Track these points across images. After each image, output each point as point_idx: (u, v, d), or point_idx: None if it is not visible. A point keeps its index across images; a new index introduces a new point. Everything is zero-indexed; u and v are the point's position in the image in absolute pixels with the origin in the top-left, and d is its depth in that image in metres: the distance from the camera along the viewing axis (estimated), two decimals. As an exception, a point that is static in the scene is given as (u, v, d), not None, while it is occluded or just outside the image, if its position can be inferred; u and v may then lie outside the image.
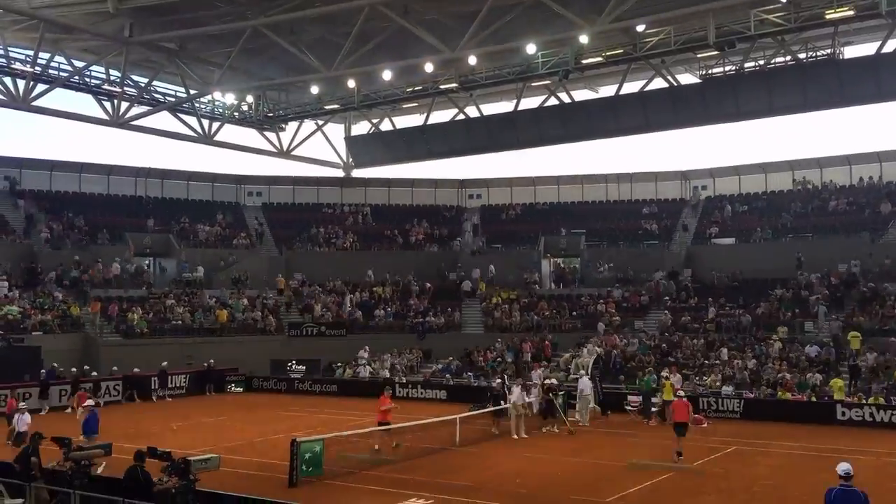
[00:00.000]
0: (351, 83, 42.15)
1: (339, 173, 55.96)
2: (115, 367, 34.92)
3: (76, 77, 40.91)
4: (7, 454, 17.57)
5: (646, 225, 48.62)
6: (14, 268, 40.08)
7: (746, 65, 38.32)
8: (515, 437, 24.58)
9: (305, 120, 49.98)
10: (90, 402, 22.62)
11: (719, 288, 41.54)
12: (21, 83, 38.36)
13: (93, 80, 42.16)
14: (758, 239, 44.20)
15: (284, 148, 50.94)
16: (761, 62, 38.46)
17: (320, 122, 51.68)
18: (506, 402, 25.93)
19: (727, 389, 30.10)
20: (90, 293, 40.29)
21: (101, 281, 41.53)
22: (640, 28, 35.22)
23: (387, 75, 39.93)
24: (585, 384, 27.84)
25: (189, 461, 13.84)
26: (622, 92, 41.57)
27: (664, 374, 29.18)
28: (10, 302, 36.93)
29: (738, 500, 17.06)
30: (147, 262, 45.74)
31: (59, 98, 49.47)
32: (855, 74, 36.40)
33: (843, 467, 10.34)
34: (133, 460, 13.75)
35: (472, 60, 37.74)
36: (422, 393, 34.69)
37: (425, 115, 47.60)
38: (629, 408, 28.97)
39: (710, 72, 39.16)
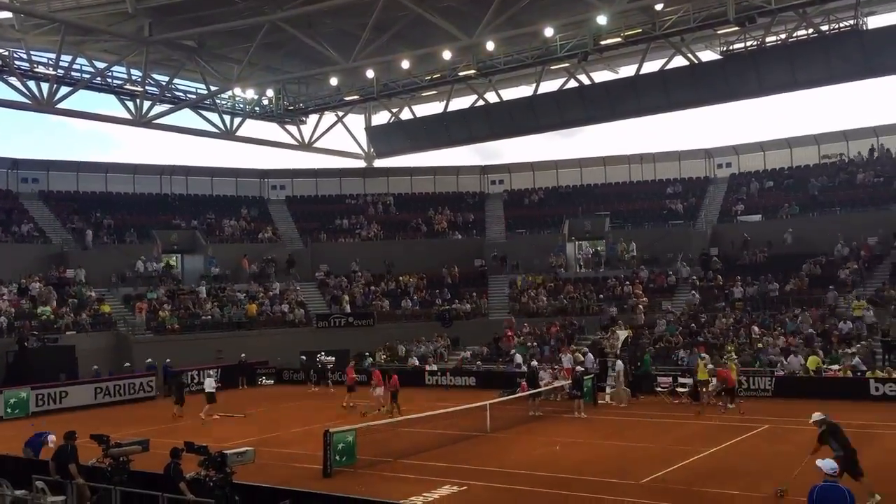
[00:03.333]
0: (370, 73, 42.18)
1: (361, 164, 56.13)
2: (148, 359, 35.58)
3: (98, 78, 41.33)
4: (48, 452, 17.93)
5: (670, 205, 48.28)
6: (45, 269, 40.72)
7: (768, 39, 37.81)
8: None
9: (326, 112, 50.09)
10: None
11: (746, 266, 41.20)
12: (45, 86, 38.80)
13: (115, 81, 42.57)
14: (785, 215, 43.73)
15: (306, 141, 51.15)
16: (783, 36, 37.92)
17: (340, 114, 51.78)
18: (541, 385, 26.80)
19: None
20: (121, 291, 41.05)
21: (130, 279, 42.17)
22: (659, 7, 34.86)
23: (405, 64, 39.90)
24: (619, 365, 28.85)
25: (225, 455, 14.01)
26: (642, 72, 41.17)
27: (701, 354, 29.06)
28: (42, 303, 37.56)
29: (771, 478, 17.01)
30: (174, 258, 46.36)
31: (83, 100, 50.10)
32: (879, 45, 35.71)
33: (828, 465, 10.64)
34: (169, 457, 14.04)
35: (490, 46, 37.58)
36: (451, 380, 34.87)
37: (445, 102, 47.51)
38: (659, 389, 28.93)
39: (730, 48, 38.68)
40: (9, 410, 29.45)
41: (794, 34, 37.64)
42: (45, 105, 38.79)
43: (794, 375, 29.16)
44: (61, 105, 39.74)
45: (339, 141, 54.08)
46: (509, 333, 38.32)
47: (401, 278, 46.36)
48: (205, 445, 14.08)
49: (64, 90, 39.41)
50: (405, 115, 50.40)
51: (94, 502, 14.34)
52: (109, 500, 13.39)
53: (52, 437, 17.07)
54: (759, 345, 32.06)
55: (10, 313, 35.71)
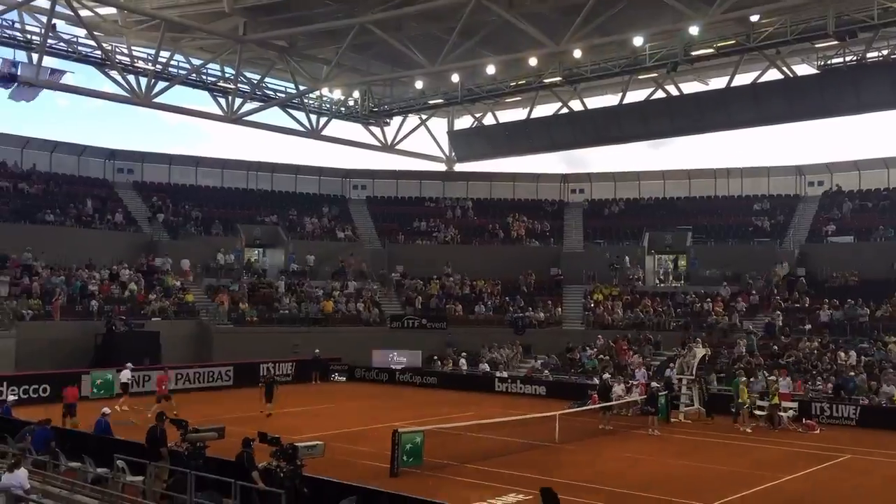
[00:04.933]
0: (455, 78, 42.32)
1: (442, 167, 56.42)
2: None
3: (193, 75, 42.69)
4: (132, 433, 18.62)
5: (757, 221, 46.91)
6: (135, 256, 42.29)
7: (869, 55, 36.34)
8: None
9: (409, 115, 50.57)
10: None
11: (835, 288, 39.69)
12: (143, 81, 40.32)
13: (209, 78, 43.91)
14: (879, 237, 41.94)
15: (388, 142, 51.68)
16: (885, 52, 36.40)
17: (424, 117, 52.15)
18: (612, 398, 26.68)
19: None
20: (204, 282, 42.41)
21: (213, 270, 43.49)
22: (755, 18, 33.88)
23: (490, 70, 39.92)
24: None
25: (296, 447, 14.31)
26: (734, 84, 40.13)
27: (772, 377, 28.19)
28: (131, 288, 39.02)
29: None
30: (256, 252, 47.61)
31: (177, 95, 51.80)
32: None
33: None
34: (241, 447, 14.40)
35: (577, 54, 37.21)
36: (521, 388, 34.70)
37: (528, 109, 47.30)
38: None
39: (828, 62, 37.34)
40: (94, 391, 30.73)
41: (898, 50, 36.11)
42: (142, 99, 40.29)
43: (880, 405, 27.92)
44: (157, 100, 41.20)
45: (420, 144, 54.53)
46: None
47: (475, 283, 46.38)
48: (277, 437, 14.42)
49: (161, 85, 40.85)
50: (488, 120, 50.40)
51: (170, 484, 14.82)
52: (185, 483, 13.79)
53: (106, 410, 19.53)
54: (852, 373, 30.71)
55: (101, 298, 37.23)
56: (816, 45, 36.76)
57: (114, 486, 14.67)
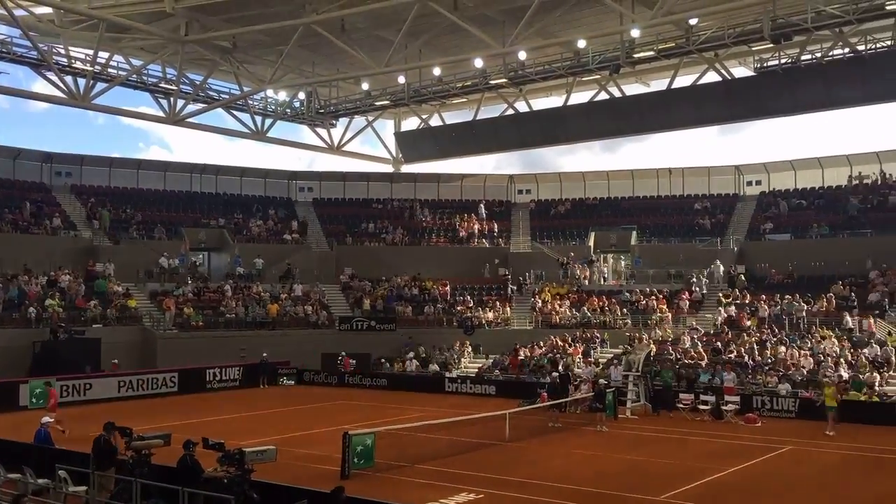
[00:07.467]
0: (401, 79, 42.34)
1: (389, 168, 56.33)
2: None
3: (134, 76, 41.86)
4: (72, 443, 18.17)
5: (698, 220, 47.93)
6: (75, 262, 41.20)
7: (803, 57, 37.48)
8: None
9: (356, 116, 50.40)
10: None
11: (774, 285, 40.77)
12: (82, 82, 39.37)
13: (150, 79, 43.10)
14: (814, 235, 43.24)
15: (335, 144, 51.45)
16: (818, 55, 37.57)
17: (370, 118, 52.06)
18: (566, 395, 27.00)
19: (784, 387, 29.46)
20: (148, 287, 41.54)
21: (157, 275, 42.61)
22: (693, 21, 34.72)
23: (436, 71, 40.01)
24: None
25: (243, 452, 14.10)
26: (674, 86, 41.00)
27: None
28: (73, 295, 38.01)
29: (791, 500, 16.82)
30: (201, 256, 46.81)
31: (118, 96, 50.64)
32: (918, 66, 35.27)
33: None
34: (183, 449, 14.17)
35: (522, 55, 37.59)
36: (471, 388, 34.81)
37: (475, 110, 47.60)
38: (680, 406, 28.67)
39: (765, 65, 38.40)
40: (34, 401, 29.81)
41: (830, 53, 37.29)
42: (81, 100, 39.34)
43: (817, 399, 28.69)
44: (97, 101, 40.27)
45: (367, 145, 54.45)
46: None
47: (424, 284, 46.41)
48: (221, 441, 14.18)
49: (100, 86, 39.94)
50: (434, 121, 50.54)
51: (114, 493, 14.50)
52: (130, 492, 13.52)
53: (46, 419, 18.84)
54: (792, 367, 31.52)
55: (38, 305, 36.18)
56: (753, 48, 37.85)
57: (56, 497, 14.31)
